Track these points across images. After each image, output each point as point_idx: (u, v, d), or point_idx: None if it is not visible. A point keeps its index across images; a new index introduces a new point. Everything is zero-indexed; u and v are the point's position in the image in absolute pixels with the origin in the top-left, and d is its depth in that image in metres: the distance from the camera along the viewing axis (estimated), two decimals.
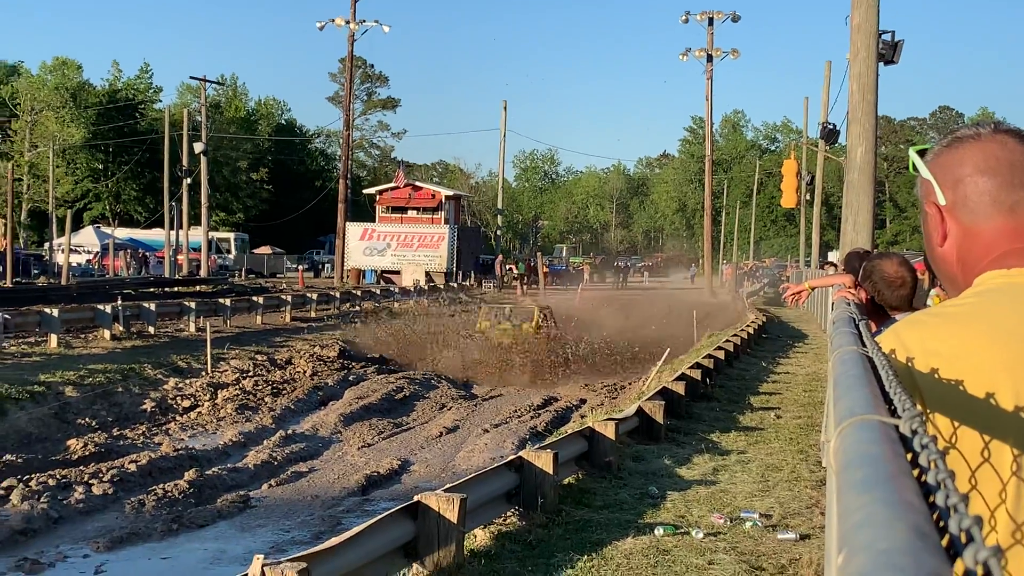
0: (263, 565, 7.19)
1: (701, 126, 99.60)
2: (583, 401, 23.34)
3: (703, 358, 21.43)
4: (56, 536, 12.97)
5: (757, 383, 21.78)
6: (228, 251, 77.53)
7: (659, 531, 10.13)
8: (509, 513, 10.71)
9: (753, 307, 44.38)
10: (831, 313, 5.49)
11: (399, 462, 16.52)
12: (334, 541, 8.19)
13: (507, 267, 69.24)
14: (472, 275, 64.81)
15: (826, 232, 62.63)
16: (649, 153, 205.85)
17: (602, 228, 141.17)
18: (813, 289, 8.72)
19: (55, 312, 25.78)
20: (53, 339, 25.09)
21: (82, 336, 26.91)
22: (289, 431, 18.82)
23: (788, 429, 16.35)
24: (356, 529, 8.44)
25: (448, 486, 9.74)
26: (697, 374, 18.78)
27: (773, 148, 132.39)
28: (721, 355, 22.78)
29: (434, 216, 64.89)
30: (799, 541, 9.94)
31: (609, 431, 13.06)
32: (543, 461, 10.83)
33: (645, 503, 11.46)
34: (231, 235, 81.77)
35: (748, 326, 31.03)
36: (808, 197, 59.03)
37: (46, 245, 69.36)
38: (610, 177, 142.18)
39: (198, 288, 47.83)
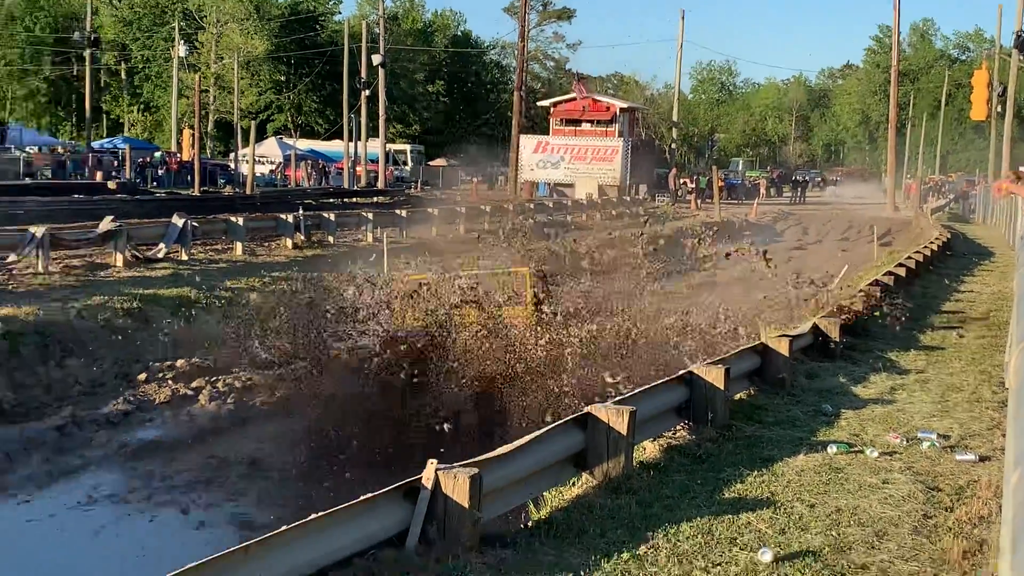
0: (436, 469, 7.38)
1: (888, 35, 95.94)
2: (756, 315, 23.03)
3: (883, 275, 20.88)
4: (242, 435, 13.58)
5: (939, 301, 21.15)
6: (404, 163, 78.59)
7: (832, 449, 10.00)
8: (678, 427, 10.72)
9: (937, 223, 42.95)
10: (1019, 228, 5.29)
11: None
12: (505, 448, 8.35)
13: (681, 181, 68.40)
14: (646, 189, 64.28)
15: (1017, 145, 59.93)
16: (832, 64, 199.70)
17: (780, 141, 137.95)
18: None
19: (240, 221, 26.65)
20: (238, 247, 25.97)
21: (265, 244, 27.76)
22: None
23: (970, 349, 15.87)
24: (527, 437, 8.57)
25: (617, 398, 9.79)
26: (876, 291, 18.32)
27: (963, 58, 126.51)
28: (902, 272, 22.14)
29: (608, 129, 64.34)
30: (978, 462, 9.69)
31: (783, 347, 12.90)
32: (714, 376, 10.77)
33: (818, 421, 11.32)
34: (407, 147, 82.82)
35: (931, 243, 30.05)
36: (999, 109, 56.46)
37: (231, 155, 71.56)
38: (790, 89, 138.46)
39: (375, 199, 48.74)
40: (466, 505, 7.24)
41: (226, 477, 12.47)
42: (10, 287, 18.77)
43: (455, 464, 7.65)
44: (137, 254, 22.83)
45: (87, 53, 64.54)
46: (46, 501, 11.94)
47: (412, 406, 13.14)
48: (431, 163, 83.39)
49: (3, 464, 12.77)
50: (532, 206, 45.86)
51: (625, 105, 69.08)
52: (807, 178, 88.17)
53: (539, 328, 14.68)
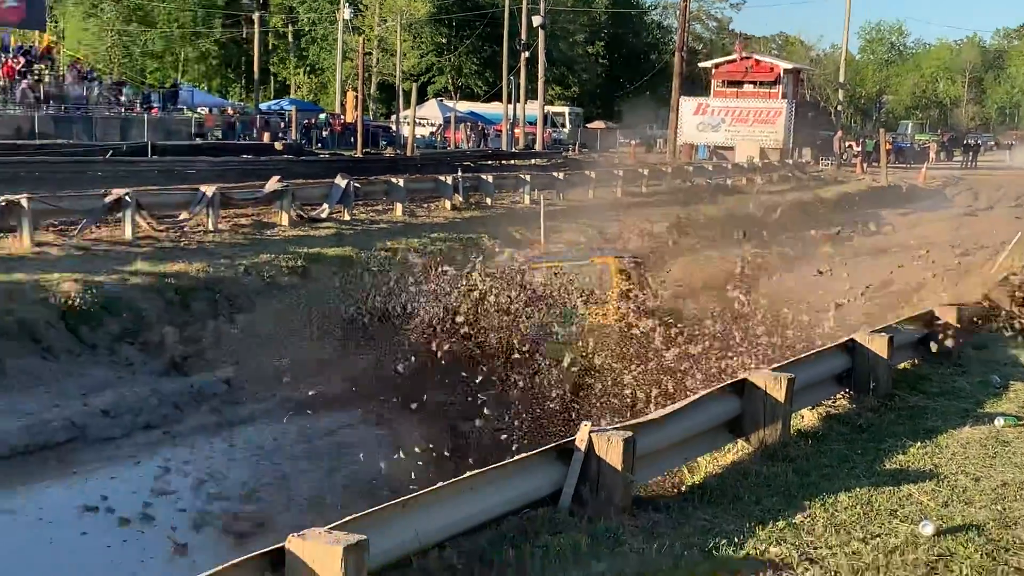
0: (590, 431, 7.40)
1: None
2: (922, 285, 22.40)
3: None
4: None
5: None
6: (562, 125, 78.48)
7: (999, 421, 9.69)
8: (839, 396, 10.52)
9: None
10: None
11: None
12: (660, 412, 8.32)
13: (847, 144, 66.70)
14: (809, 153, 62.90)
15: None
16: (1007, 23, 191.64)
17: (952, 104, 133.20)
18: None
19: (400, 182, 27.02)
20: (398, 208, 26.35)
21: (424, 205, 28.09)
22: None
23: None
24: (682, 403, 8.54)
25: (775, 365, 9.66)
26: None
27: None
28: None
29: (771, 91, 63.07)
30: None
31: (951, 317, 12.53)
32: (877, 345, 10.53)
33: (986, 392, 10.98)
34: (565, 109, 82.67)
35: None
36: None
37: (393, 117, 72.52)
38: (963, 49, 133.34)
39: (533, 161, 48.84)
40: (619, 468, 7.25)
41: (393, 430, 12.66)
42: (182, 244, 19.45)
43: (608, 427, 7.67)
44: (302, 213, 23.37)
45: (256, 16, 66.13)
46: (218, 448, 12.41)
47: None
48: (589, 125, 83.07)
49: (174, 414, 13.30)
50: (691, 169, 45.34)
51: (789, 66, 67.58)
52: (979, 142, 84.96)
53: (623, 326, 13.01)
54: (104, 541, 9.72)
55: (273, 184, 22.87)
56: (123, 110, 47.20)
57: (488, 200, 29.87)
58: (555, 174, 35.01)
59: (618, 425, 7.69)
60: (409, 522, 6.25)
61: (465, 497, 6.71)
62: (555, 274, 14.17)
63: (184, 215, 20.71)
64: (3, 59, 44.50)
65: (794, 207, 35.93)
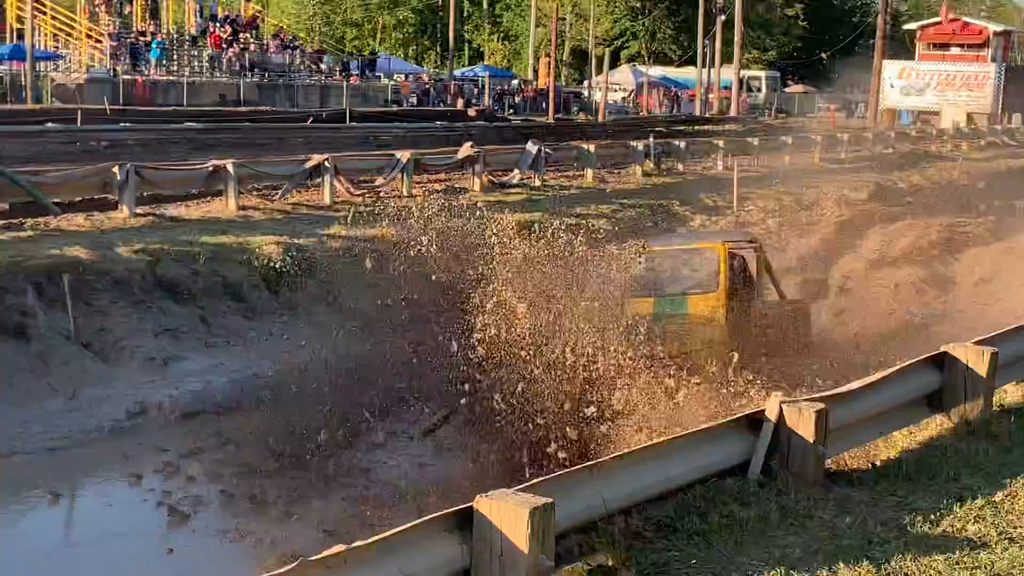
0: (781, 403, 7.30)
1: None
2: None
3: None
4: None
5: None
6: (758, 89, 77.02)
7: None
8: None
9: None
10: None
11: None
12: (854, 385, 8.14)
13: None
14: (1020, 118, 60.13)
15: None
16: None
17: None
18: None
19: (591, 148, 27.01)
20: (588, 174, 26.35)
21: (615, 171, 28.01)
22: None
23: None
24: (877, 375, 8.34)
25: (978, 339, 9.32)
26: None
27: None
28: None
29: (979, 54, 60.49)
30: None
31: None
32: None
33: None
34: (762, 73, 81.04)
35: None
36: None
37: (585, 83, 72.44)
38: None
39: (727, 127, 48.11)
40: (810, 440, 7.13)
41: None
42: (376, 209, 19.89)
43: (800, 398, 7.54)
44: (493, 179, 23.62)
45: None
46: None
47: None
48: (786, 90, 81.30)
49: None
50: (893, 135, 43.91)
51: (999, 28, 64.66)
52: None
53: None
54: None
55: (465, 150, 23.20)
56: (323, 77, 48.49)
57: (680, 166, 29.59)
58: (749, 140, 34.43)
59: (810, 397, 7.55)
60: (596, 486, 6.28)
61: (652, 464, 6.70)
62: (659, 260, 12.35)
63: (379, 180, 21.19)
64: (211, 29, 46.27)
65: (1003, 175, 34.47)
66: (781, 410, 7.22)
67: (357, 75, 51.78)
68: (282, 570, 4.80)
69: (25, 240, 14.56)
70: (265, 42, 49.64)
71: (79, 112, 27.81)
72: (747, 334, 11.43)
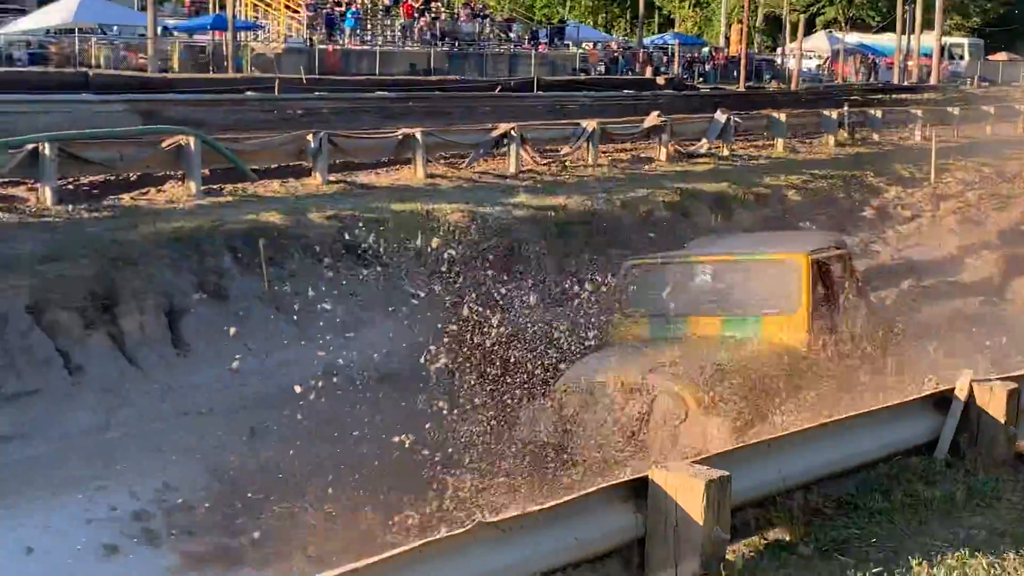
0: (972, 381, 7.10)
1: None
2: None
3: None
4: None
5: None
6: (960, 57, 74.14)
7: None
8: None
9: None
10: None
11: None
12: None
13: None
14: None
15: None
16: None
17: None
18: None
19: (782, 117, 26.50)
20: (779, 143, 25.88)
21: (807, 141, 27.43)
22: None
23: None
24: None
25: None
26: None
27: None
28: None
29: None
30: None
31: None
32: None
33: None
34: (964, 40, 77.93)
35: None
36: None
37: (778, 50, 70.96)
38: None
39: (926, 96, 46.48)
40: (1001, 419, 6.92)
41: None
42: (562, 177, 19.95)
43: (992, 377, 7.32)
44: (679, 148, 23.40)
45: None
46: None
47: None
48: (990, 58, 77.96)
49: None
50: None
51: None
52: None
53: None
54: None
55: (652, 119, 23.00)
56: (512, 46, 48.73)
57: (875, 136, 28.81)
58: (949, 109, 33.23)
59: (1002, 376, 7.31)
60: (774, 461, 6.23)
61: (832, 440, 6.60)
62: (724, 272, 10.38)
63: (565, 149, 21.21)
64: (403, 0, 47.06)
65: None
66: (971, 389, 7.02)
67: (546, 43, 51.86)
68: (458, 531, 4.94)
69: (224, 205, 15.09)
70: (456, 11, 50.15)
71: (276, 81, 28.64)
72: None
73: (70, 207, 13.93)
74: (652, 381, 8.72)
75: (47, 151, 14.00)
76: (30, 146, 14.01)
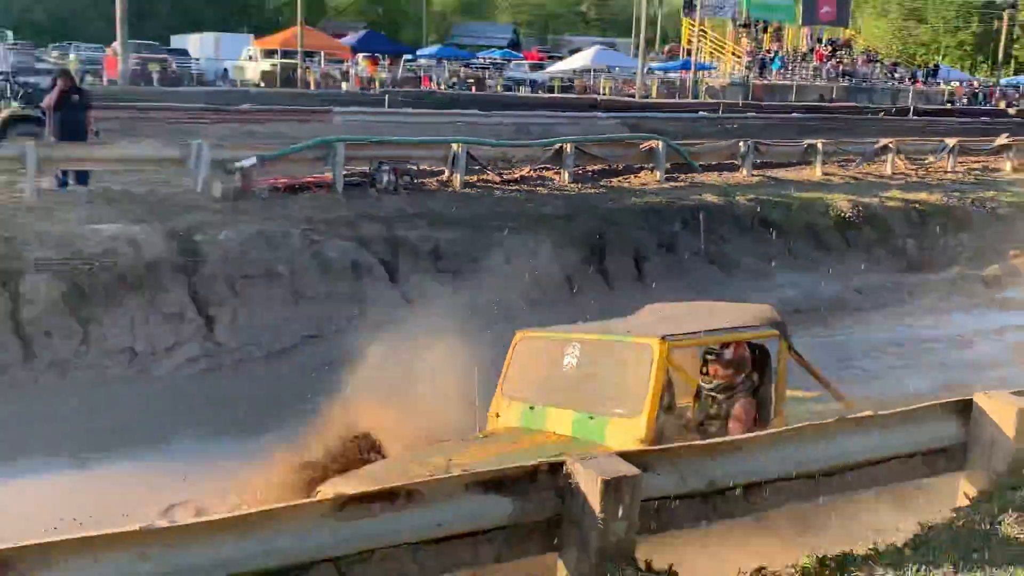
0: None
1: None
2: None
3: None
4: None
5: None
6: None
7: None
8: None
9: None
10: None
11: None
12: None
13: None
14: None
15: None
16: None
17: None
18: None
19: None
20: None
21: None
22: None
23: None
24: None
25: None
26: None
27: None
28: None
29: None
30: None
31: None
32: None
33: None
34: None
35: None
36: None
37: None
38: None
39: None
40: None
41: None
42: (924, 180, 18.32)
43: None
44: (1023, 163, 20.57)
45: (1005, 13, 57.98)
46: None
47: None
48: None
49: (907, 299, 12.79)
50: None
51: None
52: None
53: None
54: None
55: (1001, 139, 20.61)
56: (896, 83, 44.88)
57: None
58: None
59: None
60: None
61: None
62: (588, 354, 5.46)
63: (930, 159, 19.39)
64: (817, 48, 44.73)
65: None
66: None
67: (922, 81, 47.26)
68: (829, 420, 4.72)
69: (678, 188, 15.14)
70: (855, 57, 46.87)
71: (720, 105, 28.21)
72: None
73: (579, 185, 14.56)
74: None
75: (568, 148, 14.71)
76: (557, 145, 14.78)
